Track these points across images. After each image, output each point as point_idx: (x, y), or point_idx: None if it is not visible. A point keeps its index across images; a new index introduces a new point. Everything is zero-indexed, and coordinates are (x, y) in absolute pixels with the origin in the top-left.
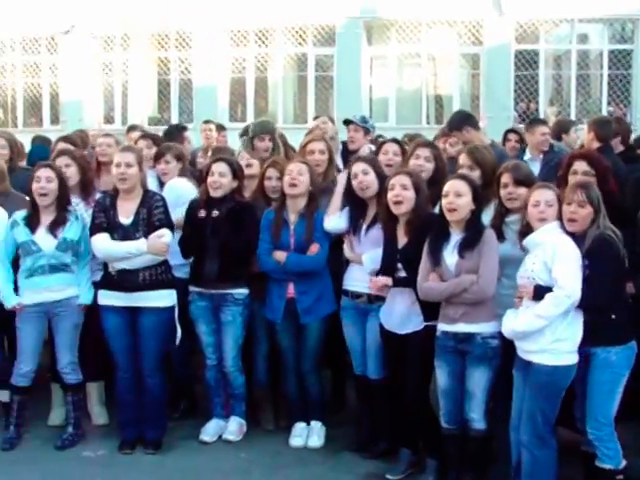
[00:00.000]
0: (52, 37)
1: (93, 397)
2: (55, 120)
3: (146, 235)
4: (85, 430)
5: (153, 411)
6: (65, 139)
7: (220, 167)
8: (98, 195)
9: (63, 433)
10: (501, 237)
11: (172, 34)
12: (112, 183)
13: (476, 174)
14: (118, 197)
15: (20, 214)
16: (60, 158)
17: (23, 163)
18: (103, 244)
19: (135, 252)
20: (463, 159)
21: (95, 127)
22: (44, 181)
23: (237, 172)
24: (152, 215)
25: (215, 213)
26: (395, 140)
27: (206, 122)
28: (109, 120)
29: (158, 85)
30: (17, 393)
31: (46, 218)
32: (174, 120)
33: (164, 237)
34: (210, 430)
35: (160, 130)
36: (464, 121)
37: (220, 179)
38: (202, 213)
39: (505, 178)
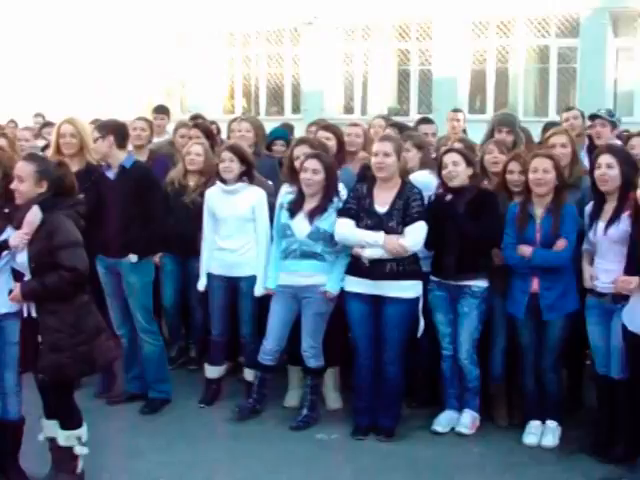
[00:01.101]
0: (295, 29)
1: (328, 382)
2: (296, 109)
3: (401, 224)
4: (319, 414)
5: (389, 399)
6: (326, 127)
7: (452, 157)
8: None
9: (298, 415)
10: None
11: (413, 25)
12: (355, 170)
13: None
14: (375, 185)
15: (287, 197)
16: (299, 147)
17: None
18: (344, 229)
19: (371, 242)
20: None
21: (335, 116)
22: (310, 173)
23: (469, 160)
24: (409, 207)
25: (448, 197)
26: None
27: (455, 110)
28: (348, 110)
29: (398, 76)
30: (260, 370)
31: (308, 205)
32: (413, 111)
33: (403, 240)
34: (443, 421)
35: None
36: None
37: (455, 168)
38: (441, 194)
39: None
